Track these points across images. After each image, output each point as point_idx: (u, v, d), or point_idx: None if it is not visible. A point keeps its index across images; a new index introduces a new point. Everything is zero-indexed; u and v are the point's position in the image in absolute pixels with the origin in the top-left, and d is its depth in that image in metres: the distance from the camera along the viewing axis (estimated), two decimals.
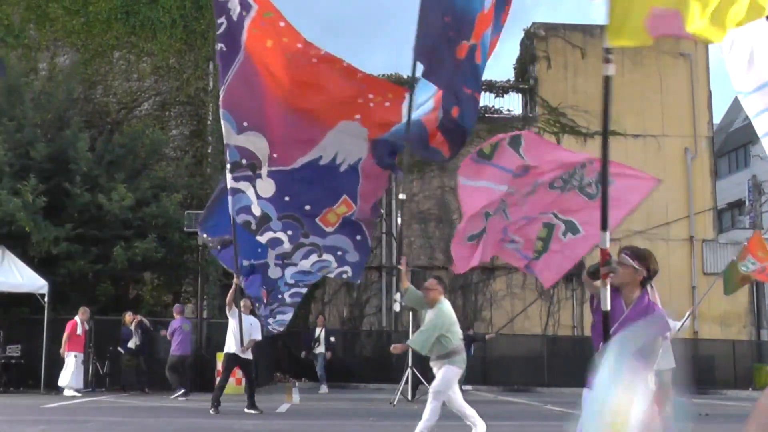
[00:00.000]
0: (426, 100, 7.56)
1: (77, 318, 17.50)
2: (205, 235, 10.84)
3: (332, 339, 21.14)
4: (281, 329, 10.96)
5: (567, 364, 24.73)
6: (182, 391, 16.56)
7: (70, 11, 23.41)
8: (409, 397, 16.41)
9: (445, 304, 8.78)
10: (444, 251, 27.14)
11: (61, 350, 17.17)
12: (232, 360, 12.94)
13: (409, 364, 16.42)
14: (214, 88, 21.80)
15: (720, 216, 34.69)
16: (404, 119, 7.71)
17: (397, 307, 9.16)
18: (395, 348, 9.34)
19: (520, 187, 7.26)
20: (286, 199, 8.87)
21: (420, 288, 9.10)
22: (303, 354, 21.32)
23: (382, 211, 25.72)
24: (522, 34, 29.75)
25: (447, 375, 8.65)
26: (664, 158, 28.13)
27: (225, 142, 9.08)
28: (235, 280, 11.06)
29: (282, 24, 8.44)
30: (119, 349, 18.60)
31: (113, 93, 23.57)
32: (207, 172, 22.82)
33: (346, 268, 9.03)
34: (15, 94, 20.31)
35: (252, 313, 12.49)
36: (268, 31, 8.47)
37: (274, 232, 8.99)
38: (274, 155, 8.76)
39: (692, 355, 25.76)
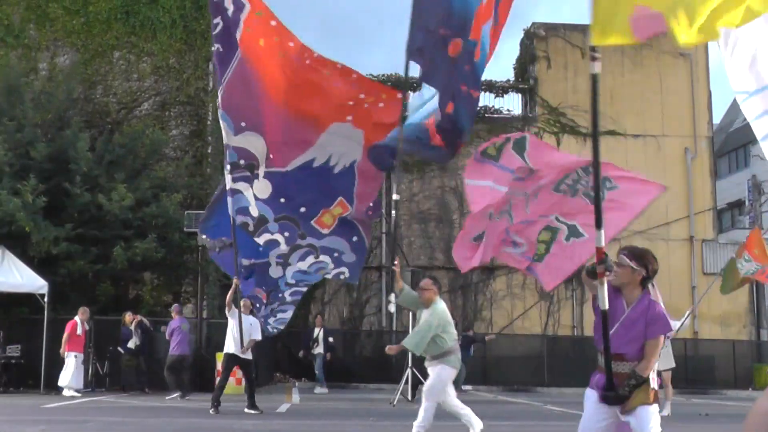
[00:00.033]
0: (427, 102, 7.58)
1: (77, 318, 17.50)
2: (204, 236, 10.85)
3: (331, 339, 21.05)
4: (282, 327, 10.97)
5: (567, 364, 24.75)
6: (177, 394, 16.51)
7: (70, 11, 23.41)
8: (409, 397, 16.40)
9: (440, 305, 8.76)
10: (444, 251, 27.14)
11: (61, 350, 17.17)
12: (232, 360, 12.94)
13: (409, 364, 16.42)
14: (214, 88, 21.78)
15: (720, 216, 34.69)
16: (407, 120, 7.72)
17: (391, 308, 9.14)
18: (390, 349, 9.31)
19: (520, 189, 7.25)
20: (282, 200, 8.89)
21: (416, 288, 9.09)
22: (301, 353, 21.29)
23: (383, 210, 25.69)
24: (522, 34, 29.78)
25: (441, 375, 8.63)
26: (664, 158, 28.13)
27: (224, 142, 9.10)
28: (234, 280, 11.06)
29: (273, 23, 8.45)
30: (119, 349, 18.59)
31: (113, 93, 23.58)
32: (207, 172, 22.82)
33: (343, 269, 9.04)
34: (15, 94, 20.32)
35: (251, 313, 12.49)
36: (260, 30, 8.50)
37: (271, 233, 9.01)
38: (271, 156, 8.78)
39: (692, 355, 25.81)
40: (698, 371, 25.30)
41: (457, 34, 6.68)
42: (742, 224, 35.11)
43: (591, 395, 4.78)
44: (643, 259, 4.76)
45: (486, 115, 27.46)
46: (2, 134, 19.14)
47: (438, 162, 22.38)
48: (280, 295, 10.13)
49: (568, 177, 7.12)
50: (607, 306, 4.55)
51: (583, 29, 28.88)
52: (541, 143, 7.80)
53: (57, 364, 17.39)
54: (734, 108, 36.67)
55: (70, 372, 17.18)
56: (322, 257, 9.05)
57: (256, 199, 9.02)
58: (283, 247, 9.09)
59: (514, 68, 29.87)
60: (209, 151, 23.05)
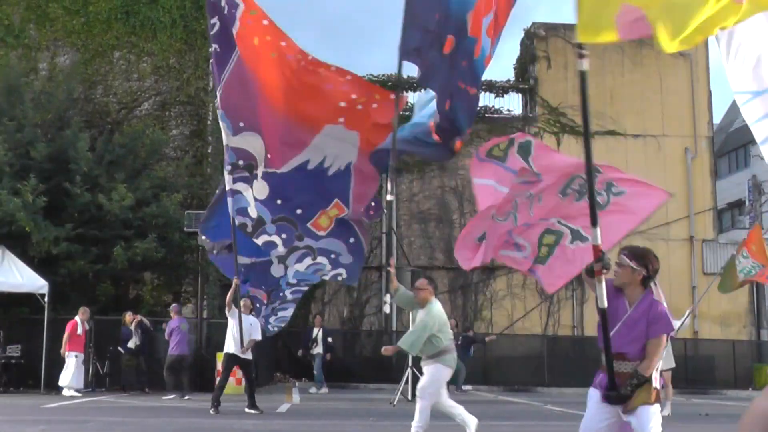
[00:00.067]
0: (429, 102, 7.59)
1: (77, 318, 17.50)
2: (203, 237, 10.83)
3: (329, 340, 20.95)
4: (283, 326, 10.97)
5: (567, 364, 24.75)
6: (172, 396, 16.48)
7: (70, 11, 23.42)
8: (409, 397, 16.39)
9: (436, 304, 8.75)
10: (444, 251, 27.15)
11: (62, 350, 17.17)
12: (232, 360, 12.94)
13: (409, 364, 16.41)
14: (214, 88, 21.75)
15: (720, 216, 34.67)
16: (409, 121, 7.73)
17: (386, 309, 9.14)
18: (386, 350, 9.28)
19: (523, 191, 7.26)
20: (279, 202, 8.89)
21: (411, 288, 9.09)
22: (300, 352, 21.26)
23: (385, 210, 25.68)
24: (522, 34, 29.77)
25: (436, 374, 8.61)
26: (664, 158, 28.13)
27: (224, 143, 9.11)
28: (234, 280, 11.06)
29: (265, 22, 8.47)
30: (119, 349, 18.59)
31: (113, 93, 23.58)
32: (207, 172, 22.82)
33: (341, 270, 9.04)
34: (15, 94, 20.32)
35: (251, 313, 12.49)
36: (254, 29, 8.51)
37: (269, 235, 9.02)
38: (269, 156, 8.79)
39: (692, 355, 25.81)
40: (698, 371, 25.29)
41: (452, 32, 6.67)
42: (742, 224, 35.10)
43: (594, 395, 4.78)
44: (644, 258, 4.76)
45: (486, 115, 27.45)
46: (2, 134, 19.14)
47: (437, 160, 22.35)
48: (281, 294, 10.14)
49: (573, 181, 7.13)
50: (605, 304, 4.55)
51: None
52: (545, 147, 7.81)
53: (57, 364, 17.39)
54: (734, 108, 36.65)
55: (71, 372, 17.18)
56: (319, 259, 9.05)
57: (255, 199, 9.03)
58: (281, 249, 9.10)
59: (515, 68, 29.87)
60: (209, 151, 23.05)
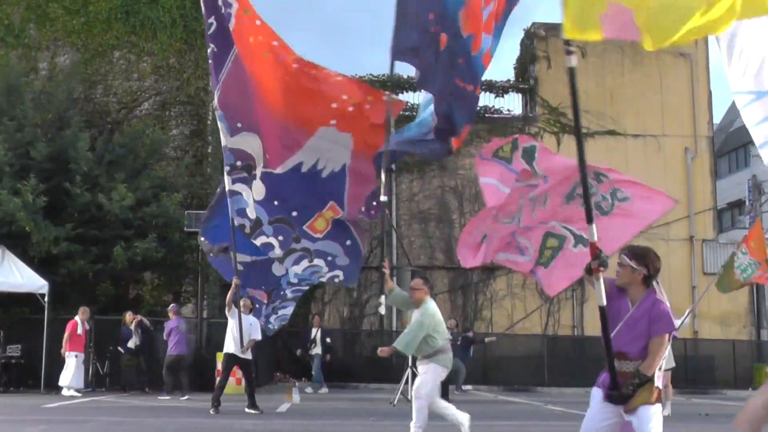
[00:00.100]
0: (430, 103, 7.60)
1: (77, 318, 17.50)
2: (202, 239, 10.83)
3: (328, 340, 20.87)
4: (284, 324, 10.96)
5: (567, 364, 24.76)
6: (168, 397, 16.44)
7: (70, 11, 23.42)
8: (409, 397, 16.36)
9: (431, 304, 8.74)
10: (444, 251, 27.15)
11: (62, 351, 17.17)
12: (232, 360, 12.94)
13: (409, 363, 16.40)
14: (213, 88, 21.79)
15: (720, 216, 34.67)
16: (416, 119, 7.73)
17: (381, 310, 9.14)
18: (382, 351, 9.27)
19: (525, 193, 7.28)
20: (275, 203, 8.89)
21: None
22: (299, 352, 21.22)
23: (387, 211, 25.66)
24: (522, 34, 29.77)
25: (431, 374, 8.61)
26: (664, 158, 28.13)
27: (222, 144, 9.11)
28: (234, 280, 11.05)
29: (258, 22, 8.47)
30: (119, 348, 18.60)
31: (113, 93, 23.58)
32: (207, 171, 22.83)
33: (338, 272, 9.03)
34: (15, 94, 20.32)
35: (251, 313, 12.48)
36: (249, 28, 8.51)
37: (267, 236, 9.02)
38: (267, 155, 8.79)
39: (692, 355, 25.80)
40: (698, 371, 25.30)
41: (446, 31, 6.66)
42: (742, 224, 35.08)
43: (597, 394, 4.77)
44: (644, 258, 4.76)
45: (486, 115, 27.45)
46: (2, 134, 19.15)
47: (435, 159, 22.32)
48: (281, 293, 10.13)
49: (579, 186, 7.15)
50: (604, 302, 4.55)
51: None
52: (549, 152, 7.83)
53: (57, 364, 17.39)
54: (734, 108, 36.61)
55: (71, 372, 17.18)
56: (316, 261, 9.05)
57: (254, 200, 9.03)
58: (278, 251, 9.09)
59: (515, 68, 29.87)
60: (209, 150, 23.05)
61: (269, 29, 8.49)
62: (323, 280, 9.65)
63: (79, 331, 17.45)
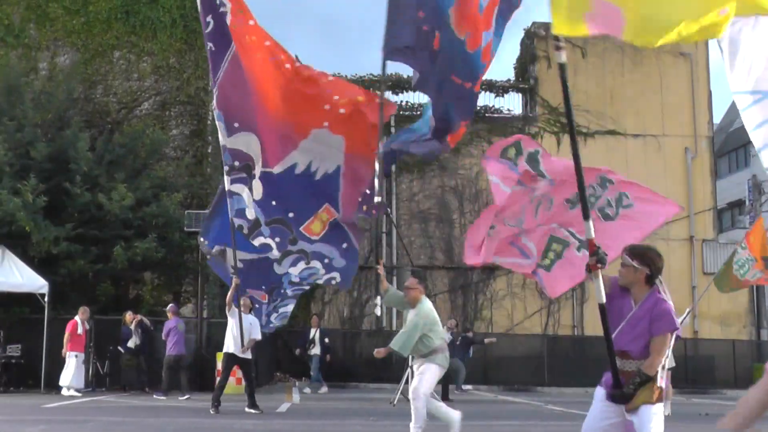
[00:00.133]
0: (428, 110, 7.62)
1: (77, 318, 17.50)
2: (202, 239, 10.83)
3: (326, 340, 20.84)
4: (284, 322, 10.95)
5: (567, 364, 24.75)
6: (164, 397, 16.41)
7: (70, 11, 23.42)
8: (408, 397, 16.39)
9: (426, 304, 8.72)
10: (444, 251, 27.14)
11: (63, 351, 17.16)
12: (231, 360, 12.94)
13: (409, 363, 16.39)
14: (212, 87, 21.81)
15: (720, 216, 34.66)
16: (414, 124, 7.75)
17: (377, 311, 9.12)
18: (378, 352, 9.28)
19: (526, 195, 7.30)
20: (273, 203, 8.89)
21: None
22: (297, 351, 21.20)
23: (388, 210, 25.66)
24: (522, 34, 29.77)
25: (427, 374, 8.61)
26: (664, 158, 28.13)
27: (221, 144, 9.12)
28: (234, 280, 11.05)
29: (251, 22, 8.49)
30: (119, 348, 18.59)
31: (113, 93, 23.58)
32: (207, 171, 22.83)
33: (335, 274, 9.03)
34: (15, 94, 20.32)
35: (251, 312, 12.48)
36: (244, 28, 8.53)
37: (264, 237, 9.03)
38: (266, 154, 8.80)
39: (692, 355, 25.79)
40: (698, 371, 25.29)
41: (438, 27, 6.64)
42: (742, 224, 35.08)
43: (600, 393, 4.77)
44: (645, 257, 4.75)
45: (486, 114, 27.46)
46: (2, 134, 19.14)
47: (431, 158, 22.31)
48: (282, 291, 10.13)
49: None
50: (603, 299, 4.55)
51: None
52: (551, 157, 7.85)
53: (57, 363, 17.38)
54: (734, 108, 36.61)
55: (71, 372, 17.18)
56: (312, 263, 9.05)
57: (253, 200, 9.04)
58: (275, 253, 9.10)
59: (515, 68, 29.86)
60: (209, 150, 23.06)
61: (261, 30, 8.50)
62: (320, 282, 9.64)
63: (79, 331, 17.45)
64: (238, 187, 9.16)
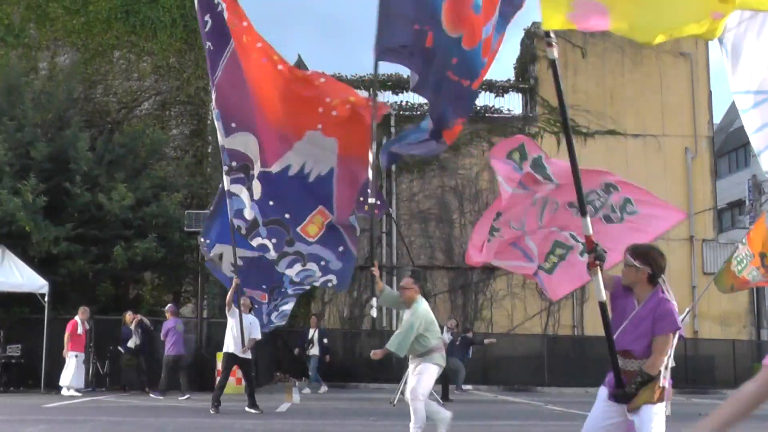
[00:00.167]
0: (427, 117, 7.64)
1: (77, 318, 17.50)
2: (202, 240, 10.83)
3: (325, 341, 20.80)
4: (285, 321, 10.95)
5: (567, 364, 24.75)
6: (161, 397, 16.41)
7: (70, 11, 23.42)
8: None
9: (422, 303, 8.72)
10: (444, 251, 27.13)
11: (64, 351, 17.15)
12: (231, 359, 12.94)
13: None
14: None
15: (720, 216, 34.66)
16: (413, 127, 7.76)
17: (373, 313, 9.10)
18: (375, 354, 9.27)
19: (528, 197, 7.31)
20: (271, 203, 8.90)
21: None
22: (296, 351, 21.18)
23: (390, 209, 25.66)
24: (522, 34, 29.76)
25: (425, 374, 8.61)
26: (664, 158, 28.13)
27: (220, 144, 9.13)
28: (235, 280, 11.06)
29: (245, 23, 8.50)
30: (119, 348, 18.59)
31: (113, 92, 23.59)
32: (207, 171, 22.83)
33: (331, 276, 9.03)
34: (15, 94, 20.32)
35: (251, 312, 12.48)
36: (239, 28, 8.54)
37: (262, 237, 9.03)
38: (264, 153, 8.80)
39: (692, 355, 25.79)
40: (698, 371, 25.28)
41: (430, 26, 6.63)
42: (742, 224, 35.08)
43: (602, 392, 4.77)
44: (647, 256, 4.75)
45: (486, 114, 27.45)
46: (2, 134, 19.15)
47: (429, 156, 22.26)
48: (283, 290, 10.14)
49: (589, 195, 7.17)
50: (603, 298, 4.55)
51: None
52: (551, 159, 7.87)
53: (57, 363, 17.38)
54: (734, 108, 36.59)
55: (71, 372, 17.18)
56: (309, 265, 9.05)
57: (251, 200, 9.05)
58: (273, 254, 9.10)
59: (515, 68, 29.85)
60: (209, 150, 23.07)
61: (254, 31, 8.51)
62: (316, 284, 9.64)
63: (79, 330, 17.45)
64: (236, 188, 9.17)
